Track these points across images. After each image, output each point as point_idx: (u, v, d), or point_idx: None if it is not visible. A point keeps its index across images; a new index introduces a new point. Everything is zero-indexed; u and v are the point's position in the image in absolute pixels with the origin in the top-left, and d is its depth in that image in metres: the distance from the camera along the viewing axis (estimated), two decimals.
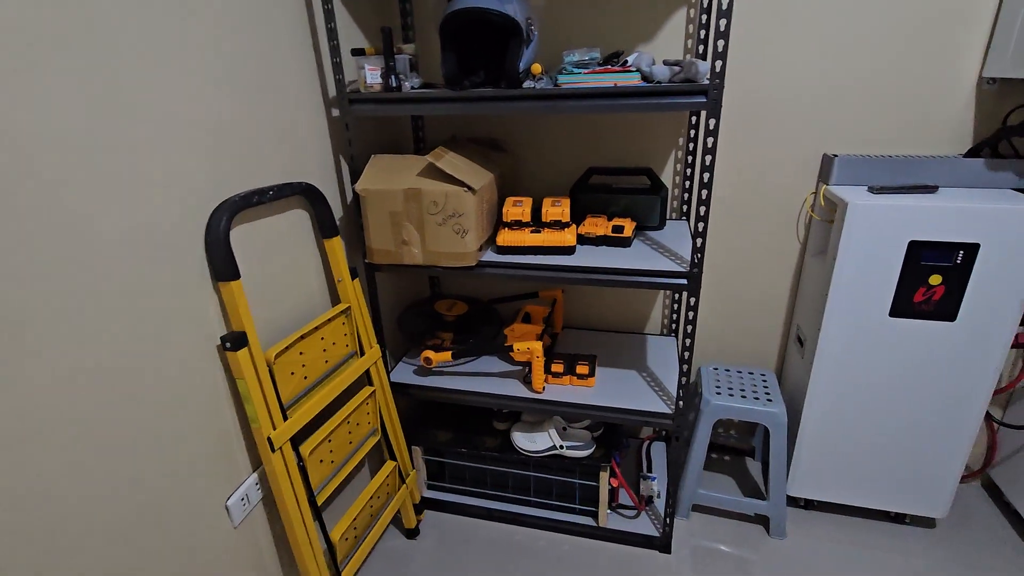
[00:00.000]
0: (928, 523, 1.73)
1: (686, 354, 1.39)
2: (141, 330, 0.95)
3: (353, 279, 1.45)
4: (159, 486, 1.00)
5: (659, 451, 2.00)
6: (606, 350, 1.81)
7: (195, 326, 1.05)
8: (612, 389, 1.59)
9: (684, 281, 1.31)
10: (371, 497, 1.49)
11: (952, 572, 1.57)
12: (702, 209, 1.23)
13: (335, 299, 1.49)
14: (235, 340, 1.08)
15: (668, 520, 1.61)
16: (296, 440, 1.24)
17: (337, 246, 1.39)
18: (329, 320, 1.37)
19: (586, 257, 1.41)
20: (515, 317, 1.72)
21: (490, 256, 1.45)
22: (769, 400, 1.63)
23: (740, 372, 1.79)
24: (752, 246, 1.75)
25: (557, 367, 1.61)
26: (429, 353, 1.62)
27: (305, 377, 1.30)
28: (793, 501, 1.82)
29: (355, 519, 1.44)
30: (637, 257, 1.41)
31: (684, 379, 1.41)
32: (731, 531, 1.73)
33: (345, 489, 1.61)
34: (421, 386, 1.66)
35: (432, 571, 1.63)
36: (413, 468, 1.74)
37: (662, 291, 1.88)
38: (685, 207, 1.73)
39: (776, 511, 1.67)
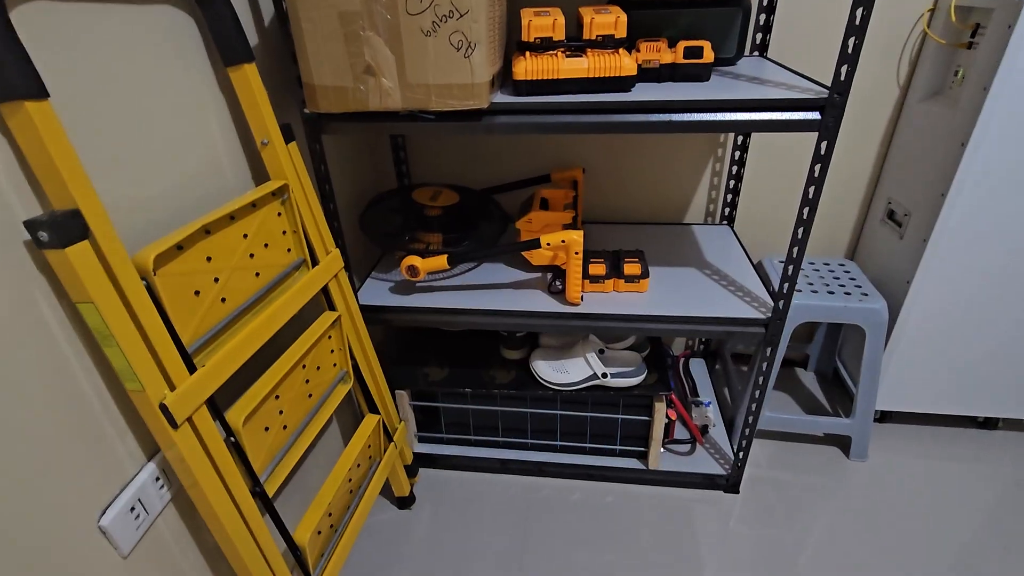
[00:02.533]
0: (1020, 426, 1.47)
1: (799, 231, 0.96)
2: None
3: (288, 142, 0.90)
4: None
5: (699, 370, 1.64)
6: (645, 245, 1.37)
7: None
8: (672, 294, 1.16)
9: (817, 115, 0.85)
10: (349, 468, 1.03)
11: None
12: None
13: (261, 176, 0.95)
14: (59, 227, 0.54)
15: (741, 454, 1.25)
16: (219, 404, 0.74)
17: (252, 81, 0.83)
18: (253, 206, 0.83)
19: (648, 95, 0.92)
20: (527, 206, 1.23)
21: (503, 99, 0.93)
22: (864, 295, 1.26)
23: (813, 264, 1.40)
24: None
25: (596, 268, 1.15)
26: (414, 260, 1.12)
27: (223, 300, 0.78)
28: None
29: (329, 504, 0.98)
30: (722, 91, 0.93)
31: (791, 266, 0.99)
32: (803, 457, 1.40)
33: (306, 463, 1.14)
34: (403, 308, 1.17)
35: (438, 549, 1.22)
36: (401, 420, 1.28)
37: (710, 167, 1.43)
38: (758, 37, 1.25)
39: (861, 429, 1.35)
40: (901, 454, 1.40)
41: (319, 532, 0.96)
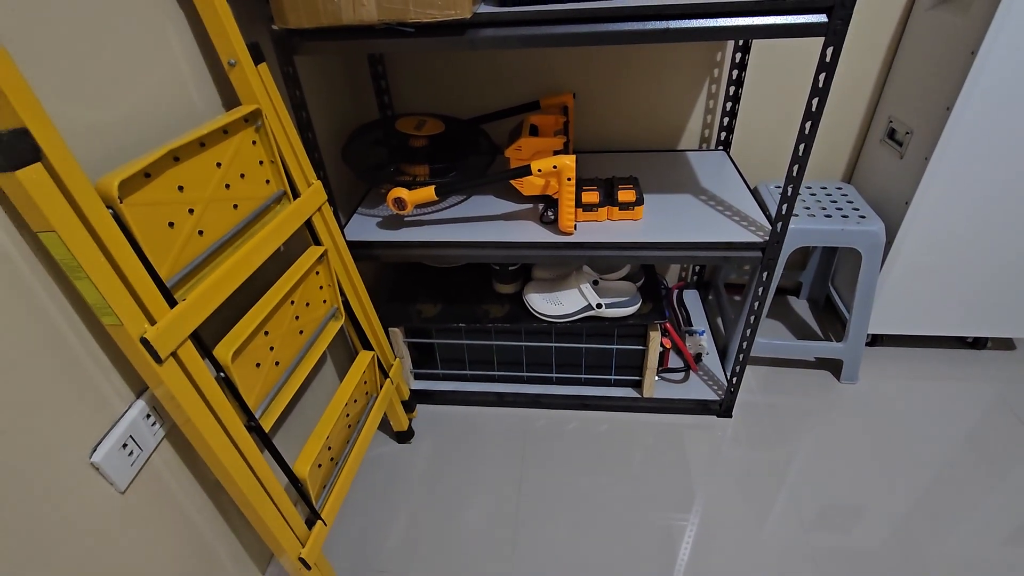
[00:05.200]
0: (1007, 345, 1.49)
1: (801, 147, 0.92)
2: None
3: (258, 63, 0.84)
4: None
5: (693, 300, 1.63)
6: (639, 172, 1.33)
7: None
8: (668, 221, 1.13)
9: (824, 18, 0.79)
10: (346, 404, 1.03)
11: None
12: None
13: (233, 102, 0.88)
14: (6, 147, 0.50)
15: (734, 379, 1.26)
16: (206, 340, 0.72)
17: None
18: (225, 132, 0.78)
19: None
20: (517, 133, 1.18)
21: (487, 9, 0.86)
22: (862, 217, 1.23)
23: (810, 188, 1.37)
24: None
25: (590, 196, 1.11)
26: (400, 192, 1.08)
27: (200, 232, 0.74)
28: None
29: (327, 439, 0.98)
30: None
31: (791, 186, 0.96)
32: (794, 381, 1.43)
33: (303, 400, 1.14)
34: (392, 243, 1.13)
35: (437, 479, 1.24)
36: (396, 356, 1.27)
37: (705, 90, 1.36)
38: None
39: (852, 352, 1.37)
40: (890, 376, 1.43)
41: (319, 465, 0.97)
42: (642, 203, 1.11)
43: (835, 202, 1.30)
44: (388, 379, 1.19)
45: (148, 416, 0.72)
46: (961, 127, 1.10)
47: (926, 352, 1.49)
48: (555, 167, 1.01)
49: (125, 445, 0.68)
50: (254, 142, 0.84)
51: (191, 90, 0.80)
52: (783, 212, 0.99)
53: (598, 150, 1.47)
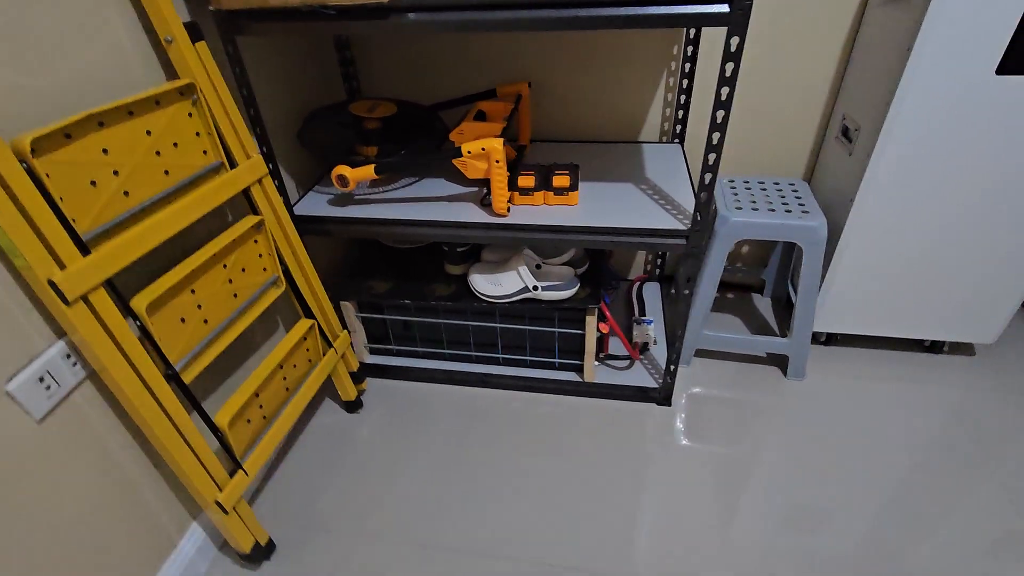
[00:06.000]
0: (967, 350, 1.47)
1: (715, 136, 0.94)
2: None
3: (196, 41, 0.90)
4: None
5: (652, 294, 1.65)
6: (590, 161, 1.36)
7: None
8: (602, 207, 1.16)
9: (726, 8, 0.82)
10: (279, 367, 1.09)
11: (994, 400, 1.32)
12: None
13: (175, 76, 0.95)
14: None
15: (672, 368, 1.28)
16: (125, 290, 0.79)
17: None
18: (157, 103, 0.85)
19: None
20: (464, 119, 1.22)
21: None
22: (805, 212, 1.24)
23: (762, 184, 1.37)
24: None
25: (526, 180, 1.15)
26: (343, 169, 1.13)
27: (126, 193, 0.81)
28: (813, 337, 1.53)
29: (258, 396, 1.05)
30: None
31: (708, 175, 0.98)
32: (741, 376, 1.44)
33: (248, 363, 1.21)
34: (340, 219, 1.19)
35: (381, 447, 1.30)
36: (345, 329, 1.33)
37: (663, 84, 1.38)
38: None
39: (798, 348, 1.37)
40: (840, 375, 1.42)
41: (248, 421, 1.04)
42: (576, 188, 1.15)
43: (784, 198, 1.30)
44: (332, 349, 1.26)
45: (69, 356, 0.79)
46: (900, 124, 1.10)
47: (881, 354, 1.47)
48: (483, 149, 1.05)
49: (42, 379, 0.75)
50: (190, 114, 0.91)
51: (133, 64, 0.87)
52: (702, 201, 1.01)
53: (558, 139, 1.50)
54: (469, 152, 1.06)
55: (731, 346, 1.42)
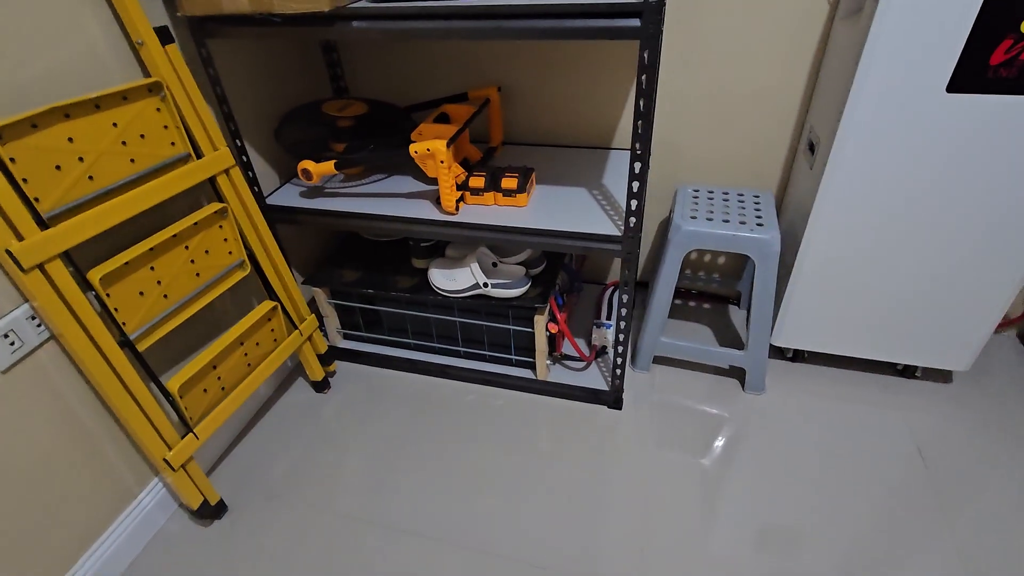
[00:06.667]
0: (944, 377, 1.41)
1: (636, 146, 0.96)
2: None
3: (166, 44, 1.01)
4: None
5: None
6: (553, 166, 1.39)
7: None
8: (550, 209, 1.20)
9: (637, 22, 0.84)
10: (239, 343, 1.19)
11: (965, 431, 1.27)
12: None
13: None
14: None
15: (619, 371, 1.31)
16: (89, 265, 0.90)
17: None
18: (124, 99, 0.95)
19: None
20: (424, 120, 1.28)
21: (361, 4, 0.98)
22: (759, 225, 1.23)
23: (727, 194, 1.37)
24: (756, 9, 1.23)
25: (476, 181, 1.20)
26: (308, 164, 1.22)
27: (91, 177, 0.91)
28: (779, 352, 1.51)
29: (215, 369, 1.14)
30: None
31: (636, 183, 1.01)
32: (699, 386, 1.43)
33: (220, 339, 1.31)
34: (306, 210, 1.28)
35: (340, 427, 1.38)
36: (314, 313, 1.42)
37: (634, 90, 1.40)
38: None
39: (754, 361, 1.36)
40: (802, 393, 1.40)
41: (205, 391, 1.14)
42: (524, 191, 1.19)
43: (743, 209, 1.30)
44: (297, 331, 1.35)
45: (33, 318, 0.90)
46: (851, 138, 1.08)
47: (850, 374, 1.44)
48: (428, 150, 1.11)
49: (7, 336, 0.87)
50: (158, 109, 1.01)
51: (108, 63, 0.98)
52: (632, 207, 1.03)
53: (532, 143, 1.54)
54: (416, 152, 1.12)
55: (688, 355, 1.42)
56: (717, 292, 1.70)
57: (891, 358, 1.35)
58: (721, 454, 1.26)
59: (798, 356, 1.49)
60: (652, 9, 0.82)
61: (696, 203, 1.33)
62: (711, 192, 1.37)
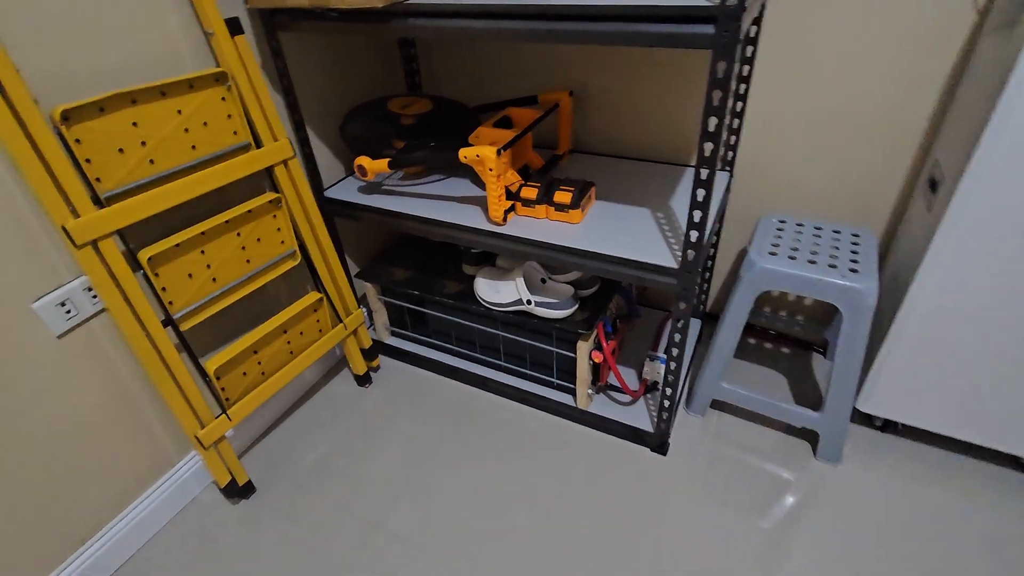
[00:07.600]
0: None
1: (703, 171, 0.84)
2: None
3: (235, 35, 1.03)
4: None
5: (691, 331, 1.51)
6: (620, 180, 1.28)
7: None
8: (604, 230, 1.09)
9: (711, 29, 0.72)
10: (282, 331, 1.21)
11: None
12: None
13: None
14: None
15: (666, 415, 1.18)
16: (136, 243, 0.94)
17: None
18: (191, 86, 0.98)
19: None
20: (485, 123, 1.23)
21: (417, 0, 0.94)
22: (853, 271, 1.05)
23: (820, 230, 1.18)
24: (877, 16, 1.04)
25: (529, 192, 1.13)
26: (363, 160, 1.21)
27: (152, 161, 0.96)
28: (866, 419, 1.29)
29: (256, 354, 1.17)
30: None
31: (698, 212, 0.88)
32: (762, 442, 1.26)
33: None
34: (360, 205, 1.28)
35: (375, 424, 1.38)
36: (360, 307, 1.43)
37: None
38: None
39: (831, 426, 1.17)
40: (887, 472, 1.18)
41: (244, 374, 1.17)
42: (578, 207, 1.09)
43: (836, 249, 1.11)
44: (342, 324, 1.35)
45: (89, 290, 0.96)
46: (984, 176, 0.88)
47: (956, 459, 1.20)
48: (477, 156, 1.05)
49: (63, 304, 0.93)
50: (223, 98, 1.04)
51: (183, 52, 1.02)
52: (691, 239, 0.91)
53: (602, 153, 1.44)
54: (466, 157, 1.06)
55: (752, 405, 1.25)
56: (800, 336, 1.49)
57: (1007, 448, 1.10)
58: (774, 526, 1.09)
59: (889, 426, 1.27)
60: (730, 15, 0.69)
61: (780, 236, 1.16)
62: (800, 225, 1.19)
